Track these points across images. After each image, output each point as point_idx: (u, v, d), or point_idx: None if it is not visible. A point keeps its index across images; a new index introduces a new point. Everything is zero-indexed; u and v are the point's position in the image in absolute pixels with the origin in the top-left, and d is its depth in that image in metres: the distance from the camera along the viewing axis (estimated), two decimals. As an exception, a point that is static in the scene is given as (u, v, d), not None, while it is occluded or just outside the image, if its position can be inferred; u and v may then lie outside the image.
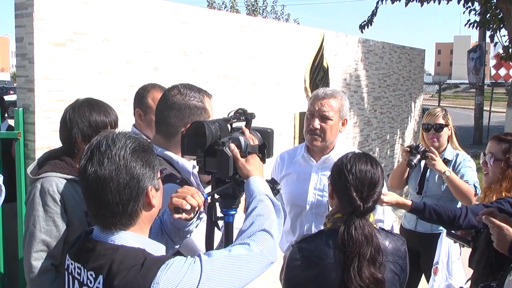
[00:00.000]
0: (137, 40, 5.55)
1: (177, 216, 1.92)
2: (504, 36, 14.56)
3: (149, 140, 2.55)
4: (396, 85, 11.26)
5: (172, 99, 2.45)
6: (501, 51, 20.86)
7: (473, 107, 30.52)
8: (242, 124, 2.25)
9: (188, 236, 2.12)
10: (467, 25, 16.44)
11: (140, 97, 3.75)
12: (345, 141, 3.48)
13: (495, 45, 14.95)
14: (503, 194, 3.21)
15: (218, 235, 2.23)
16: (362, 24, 14.09)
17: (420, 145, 4.34)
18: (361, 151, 2.63)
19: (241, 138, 2.09)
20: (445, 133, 4.58)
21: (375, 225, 2.54)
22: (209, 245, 2.10)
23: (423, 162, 4.51)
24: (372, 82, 10.26)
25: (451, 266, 4.39)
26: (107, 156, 1.71)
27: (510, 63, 15.22)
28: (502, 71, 21.74)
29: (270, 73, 7.52)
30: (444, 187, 4.44)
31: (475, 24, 16.38)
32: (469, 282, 3.36)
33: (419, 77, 12.43)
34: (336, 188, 2.50)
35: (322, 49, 8.59)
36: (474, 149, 20.14)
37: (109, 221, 1.75)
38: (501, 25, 14.13)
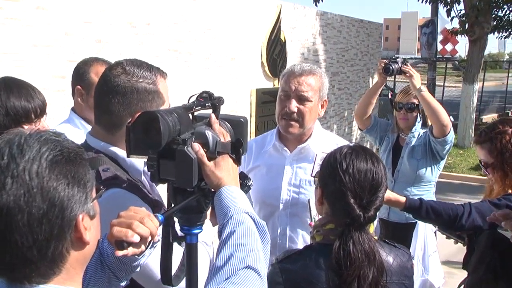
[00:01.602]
0: (76, 9, 4.92)
1: (120, 253, 1.33)
2: (461, 10, 14.40)
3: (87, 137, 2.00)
4: (354, 60, 10.89)
5: (114, 80, 1.87)
6: (448, 26, 21.02)
7: (423, 82, 30.71)
8: (208, 112, 1.73)
9: (138, 270, 1.56)
10: (420, 0, 16.25)
11: (81, 72, 3.11)
12: (321, 127, 3.01)
13: (451, 20, 14.76)
14: (509, 191, 2.81)
15: (178, 251, 1.71)
16: (316, -4, 13.73)
17: (398, 57, 4.11)
18: (355, 144, 2.12)
19: (208, 133, 1.56)
20: (417, 113, 4.24)
21: (375, 237, 2.05)
22: (165, 274, 1.58)
23: (393, 138, 4.29)
24: (330, 57, 9.85)
25: (427, 261, 4.00)
26: (11, 173, 1.11)
27: (462, 36, 15.06)
28: (449, 46, 21.74)
29: (225, 47, 6.99)
30: (417, 173, 4.11)
31: (428, -1, 16.22)
32: (462, 285, 2.97)
33: (376, 51, 12.11)
34: (327, 193, 1.99)
35: (279, 21, 8.10)
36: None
37: (20, 272, 1.16)
38: (458, -1, 13.99)
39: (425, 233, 3.99)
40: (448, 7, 14.65)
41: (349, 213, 1.88)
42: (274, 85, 8.05)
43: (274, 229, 2.82)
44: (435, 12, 21.72)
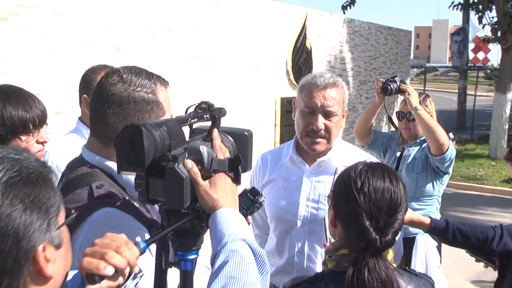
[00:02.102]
0: (95, 16, 4.83)
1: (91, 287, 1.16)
2: (493, 18, 14.06)
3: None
4: (382, 68, 10.65)
5: (110, 88, 1.70)
6: (479, 34, 20.59)
7: (453, 91, 30.27)
8: (207, 125, 1.57)
9: None
10: (451, 7, 15.97)
11: (88, 80, 2.98)
12: (341, 139, 2.84)
13: (483, 27, 14.42)
14: None
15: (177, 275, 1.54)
16: (345, 4, 13.52)
17: (397, 75, 3.91)
18: (374, 161, 1.92)
19: (203, 149, 1.38)
20: None
21: (394, 264, 1.85)
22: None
23: (398, 150, 4.06)
24: (357, 65, 9.64)
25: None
26: None
27: (494, 45, 14.69)
28: (481, 55, 21.40)
29: (249, 54, 6.84)
30: (416, 187, 3.92)
31: (459, 6, 15.92)
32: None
33: (405, 59, 11.84)
34: (340, 214, 1.80)
35: (305, 29, 7.92)
36: (458, 133, 19.73)
37: None
38: (490, 6, 13.65)
39: (425, 248, 3.76)
40: (480, 14, 14.29)
41: (364, 236, 1.69)
42: (299, 93, 7.87)
43: (292, 246, 2.63)
44: (466, 19, 21.38)
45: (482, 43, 18.76)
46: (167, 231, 1.35)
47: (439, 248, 3.81)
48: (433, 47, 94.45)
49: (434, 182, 3.93)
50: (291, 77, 7.65)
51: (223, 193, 1.38)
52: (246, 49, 6.77)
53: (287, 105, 7.61)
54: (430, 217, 2.42)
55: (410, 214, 2.32)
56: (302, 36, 7.90)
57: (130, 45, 5.18)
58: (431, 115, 3.86)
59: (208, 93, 6.20)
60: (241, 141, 1.61)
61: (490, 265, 2.74)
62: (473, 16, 16.25)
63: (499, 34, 13.46)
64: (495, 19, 13.96)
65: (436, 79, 42.85)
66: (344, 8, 13.77)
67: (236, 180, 1.44)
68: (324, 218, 2.44)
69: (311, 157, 2.63)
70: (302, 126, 2.56)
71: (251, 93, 6.87)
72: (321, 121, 2.49)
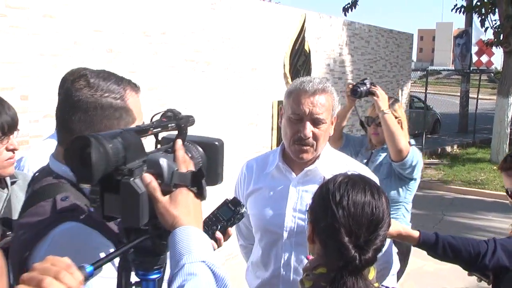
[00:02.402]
0: (86, 17, 4.74)
1: None
2: (495, 20, 13.96)
3: None
4: (383, 72, 10.54)
5: (76, 94, 1.61)
6: (483, 37, 20.49)
7: (455, 94, 30.08)
8: (171, 135, 1.47)
9: None
10: (454, 10, 15.88)
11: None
12: (330, 146, 2.73)
13: (485, 30, 14.30)
14: None
15: None
16: (346, 6, 13.45)
17: (367, 78, 3.88)
18: (356, 172, 1.81)
19: (163, 162, 1.29)
20: None
21: (376, 284, 1.74)
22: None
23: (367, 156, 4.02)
24: (357, 68, 9.53)
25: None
26: None
27: (497, 48, 14.56)
28: (484, 58, 21.35)
29: (245, 57, 6.74)
30: (388, 191, 3.81)
31: (462, 9, 15.83)
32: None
33: (406, 63, 11.72)
34: (318, 229, 1.69)
35: (304, 31, 7.83)
36: (460, 137, 19.62)
37: None
38: (493, 9, 13.55)
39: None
40: (483, 17, 14.18)
41: (343, 254, 1.57)
42: (297, 97, 7.77)
43: (278, 259, 2.53)
44: (469, 22, 21.29)
45: (486, 47, 18.67)
46: (121, 251, 1.25)
47: (402, 256, 3.74)
48: (437, 50, 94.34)
49: (400, 189, 3.87)
50: (289, 80, 7.56)
51: (184, 209, 1.29)
52: (242, 51, 6.68)
53: (284, 108, 7.51)
54: (419, 231, 2.32)
55: (397, 227, 2.22)
56: (300, 39, 7.80)
57: (123, 47, 5.09)
58: (399, 120, 3.81)
59: (203, 96, 6.10)
60: (212, 151, 1.51)
61: (483, 279, 2.64)
62: (477, 19, 16.14)
63: (501, 37, 13.35)
64: (498, 22, 13.86)
65: (439, 82, 42.60)
66: (345, 10, 13.67)
67: (200, 195, 1.34)
68: (324, 178, 2.37)
69: (298, 165, 2.53)
70: (289, 134, 2.46)
71: (247, 96, 6.78)
72: (309, 128, 2.38)
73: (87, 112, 1.60)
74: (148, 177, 1.25)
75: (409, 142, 3.73)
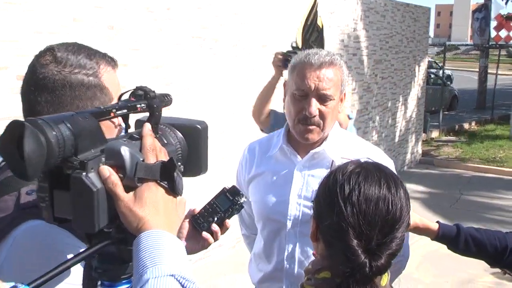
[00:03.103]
0: (85, -8, 4.51)
1: None
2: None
3: None
4: (399, 47, 10.21)
5: (41, 71, 1.40)
6: (502, 12, 19.97)
7: (474, 70, 29.54)
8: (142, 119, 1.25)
9: None
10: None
11: None
12: (338, 126, 2.48)
13: (506, 3, 13.82)
14: None
15: None
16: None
17: (299, 47, 3.55)
18: (370, 160, 1.55)
19: (125, 151, 1.06)
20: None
21: None
22: None
23: None
24: (372, 44, 9.22)
25: None
26: None
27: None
28: (503, 33, 20.83)
29: (255, 33, 6.49)
30: None
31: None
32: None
33: (423, 38, 11.37)
34: (323, 227, 1.43)
35: (316, 5, 7.47)
36: (478, 114, 19.23)
37: None
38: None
39: None
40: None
41: (350, 259, 1.32)
42: (310, 74, 7.51)
43: (281, 250, 2.32)
44: (489, -5, 20.76)
45: (505, 21, 18.18)
46: (74, 261, 1.04)
47: None
48: (454, 25, 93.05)
49: None
50: (301, 57, 7.28)
51: (152, 209, 1.06)
52: (252, 27, 6.42)
53: (296, 86, 7.26)
54: (438, 222, 2.09)
55: (414, 219, 1.98)
56: (313, 14, 7.46)
57: (125, 24, 4.87)
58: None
59: (211, 75, 5.87)
60: (193, 136, 1.28)
61: (508, 273, 2.41)
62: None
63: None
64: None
65: (457, 58, 41.95)
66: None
67: (172, 190, 1.10)
68: (332, 161, 2.15)
69: (304, 147, 2.29)
70: (293, 112, 2.22)
71: (257, 74, 6.53)
72: (315, 106, 2.14)
73: (54, 92, 1.39)
74: (107, 170, 1.03)
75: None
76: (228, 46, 6.11)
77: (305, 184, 2.26)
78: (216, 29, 5.91)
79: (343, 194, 1.38)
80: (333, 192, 1.40)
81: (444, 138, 14.73)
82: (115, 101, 1.46)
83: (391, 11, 9.77)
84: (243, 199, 1.72)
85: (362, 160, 1.49)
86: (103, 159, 1.04)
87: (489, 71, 21.18)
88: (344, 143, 2.30)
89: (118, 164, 1.04)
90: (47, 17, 4.24)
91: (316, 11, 7.63)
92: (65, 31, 4.37)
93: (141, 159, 1.07)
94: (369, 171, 1.42)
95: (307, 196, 2.23)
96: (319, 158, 2.26)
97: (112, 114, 1.12)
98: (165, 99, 1.24)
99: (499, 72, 20.26)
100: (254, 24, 6.46)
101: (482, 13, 20.93)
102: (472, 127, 16.80)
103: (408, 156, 11.36)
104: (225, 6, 6.00)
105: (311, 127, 2.18)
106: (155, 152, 1.11)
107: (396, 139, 10.63)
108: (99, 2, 4.62)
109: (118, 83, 1.48)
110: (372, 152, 2.24)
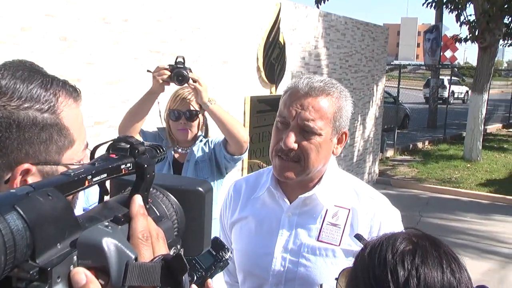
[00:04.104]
0: None
1: None
2: (470, 15, 13.67)
3: None
4: (358, 66, 10.07)
5: None
6: (448, 34, 20.40)
7: (420, 88, 29.96)
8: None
9: None
10: (426, 5, 15.61)
11: None
12: (337, 166, 2.13)
13: (460, 25, 13.98)
14: None
15: None
16: (319, -3, 13.06)
17: (179, 56, 3.25)
18: (414, 229, 1.23)
19: (108, 244, 0.70)
20: (199, 122, 3.43)
21: None
22: None
23: (170, 155, 3.44)
24: (333, 62, 9.04)
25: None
26: None
27: (474, 43, 14.26)
28: (448, 53, 21.40)
29: (216, 48, 6.17)
30: None
31: (434, 4, 15.59)
32: None
33: (382, 57, 11.28)
34: None
35: (279, 22, 7.29)
36: (430, 133, 19.41)
37: None
38: (468, 4, 13.30)
39: None
40: (457, 11, 13.86)
41: None
42: (271, 92, 7.24)
43: None
44: (440, 17, 21.15)
45: (452, 42, 18.49)
46: None
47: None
48: (401, 45, 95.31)
49: (218, 185, 3.44)
50: (262, 74, 7.01)
51: None
52: (213, 42, 6.10)
53: (257, 104, 6.97)
54: None
55: None
56: (275, 30, 7.26)
57: (79, 35, 4.47)
58: (204, 115, 3.40)
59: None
60: (192, 202, 0.94)
61: None
62: (447, 15, 15.93)
63: (477, 32, 13.07)
64: (473, 18, 13.58)
65: (405, 76, 42.59)
66: (318, 2, 13.28)
67: None
68: (321, 286, 1.80)
69: (294, 190, 1.93)
70: (272, 143, 1.86)
71: (218, 91, 6.21)
72: (292, 137, 1.78)
73: None
74: (82, 276, 0.67)
75: None
76: (188, 62, 5.74)
77: (293, 235, 1.90)
78: (176, 43, 5.56)
79: (398, 280, 1.06)
80: (382, 279, 1.08)
81: (399, 157, 14.70)
82: (79, 144, 1.11)
83: (351, 30, 9.62)
84: (228, 255, 1.41)
85: (411, 233, 1.17)
86: (75, 258, 0.69)
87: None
88: (341, 188, 1.94)
89: (98, 266, 0.69)
90: (-8, 26, 3.82)
91: (279, 27, 7.43)
92: (11, 41, 3.95)
93: (133, 257, 0.72)
94: (426, 249, 1.11)
95: (294, 249, 1.88)
96: (311, 204, 1.91)
97: (86, 183, 0.76)
98: (158, 153, 0.90)
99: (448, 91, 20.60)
100: (215, 40, 6.15)
101: (433, 33, 21.31)
102: (426, 147, 16.88)
103: (366, 176, 11.20)
104: (186, 20, 5.67)
105: (289, 164, 1.82)
106: (151, 241, 0.77)
107: (355, 159, 10.46)
108: (50, 10, 4.22)
109: (81, 120, 1.13)
110: (375, 202, 1.90)
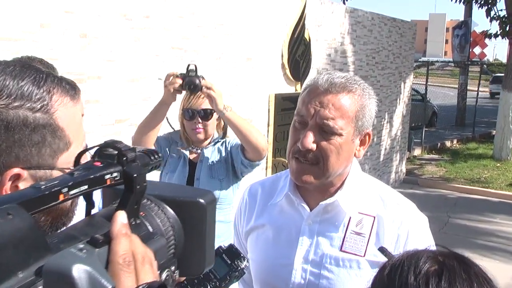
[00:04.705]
0: (54, -4, 4.03)
1: None
2: (501, 10, 13.34)
3: None
4: (385, 63, 9.88)
5: None
6: (477, 30, 19.97)
7: (449, 85, 29.49)
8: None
9: None
10: (455, 0, 15.30)
11: None
12: (360, 170, 1.98)
13: (490, 20, 13.66)
14: None
15: None
16: (345, -6, 12.88)
17: (191, 64, 3.03)
18: (443, 246, 1.08)
19: (79, 273, 0.60)
20: (214, 120, 3.34)
21: None
22: None
23: (187, 154, 3.35)
24: (359, 59, 8.87)
25: None
26: None
27: (504, 39, 13.93)
28: (477, 50, 20.94)
29: (240, 45, 6.06)
30: (220, 196, 3.24)
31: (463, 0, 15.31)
32: None
33: (409, 53, 11.06)
34: None
35: (304, 18, 7.14)
36: (458, 131, 19.06)
37: None
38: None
39: None
40: (488, 6, 13.54)
41: None
42: (295, 89, 7.10)
43: None
44: (469, 13, 20.73)
45: (482, 38, 18.12)
46: None
47: None
48: (429, 41, 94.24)
49: (235, 188, 3.37)
50: (287, 71, 6.88)
51: None
52: (237, 39, 5.99)
53: (282, 102, 6.84)
54: None
55: None
56: (300, 26, 7.11)
57: (99, 31, 4.39)
58: None
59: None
60: (192, 215, 0.82)
61: None
62: (477, 10, 15.62)
63: (508, 28, 12.76)
64: (503, 12, 13.27)
65: (432, 74, 42.08)
66: (344, -2, 13.14)
67: None
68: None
69: (315, 196, 1.78)
70: (290, 143, 1.72)
71: (241, 89, 6.11)
72: (310, 137, 1.63)
73: None
74: None
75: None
76: (211, 59, 5.66)
77: (314, 244, 1.76)
78: (199, 40, 5.46)
79: None
80: None
81: (427, 156, 14.44)
82: (76, 145, 1.00)
83: (378, 26, 9.44)
84: (244, 264, 1.30)
85: (432, 248, 1.04)
86: None
87: (468, 87, 21.15)
88: (365, 194, 1.79)
89: None
90: (9, 22, 3.75)
91: (304, 24, 7.28)
92: (30, 38, 3.88)
93: (110, 287, 0.60)
94: (454, 270, 0.97)
95: (315, 260, 1.74)
96: (332, 212, 1.76)
97: (61, 197, 0.65)
98: (151, 161, 0.78)
99: (474, 88, 20.23)
100: (239, 36, 6.03)
101: (462, 29, 20.88)
102: (454, 145, 16.58)
103: (393, 175, 11.00)
104: (209, 16, 5.56)
105: (305, 165, 1.68)
106: (134, 266, 0.65)
107: (381, 158, 10.27)
108: (70, 7, 4.14)
109: (79, 121, 1.02)
110: (402, 209, 1.76)
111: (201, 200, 0.81)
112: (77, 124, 1.01)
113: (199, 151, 3.33)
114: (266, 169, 6.65)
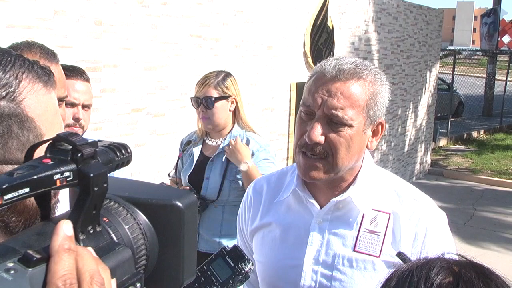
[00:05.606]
0: (68, -18, 3.94)
1: None
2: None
3: None
4: (410, 51, 9.66)
5: None
6: (506, 18, 19.57)
7: (476, 75, 28.98)
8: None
9: None
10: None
11: None
12: (373, 163, 1.85)
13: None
14: None
15: None
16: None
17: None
18: (459, 254, 0.96)
19: None
20: (223, 109, 3.13)
21: None
22: None
23: (197, 150, 3.25)
24: (384, 47, 8.68)
25: None
26: None
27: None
28: (506, 38, 20.47)
29: (260, 33, 5.93)
30: (229, 197, 3.11)
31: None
32: None
33: (436, 42, 10.81)
34: None
35: (327, 5, 6.98)
36: (485, 121, 18.71)
37: None
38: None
39: None
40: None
41: None
42: (318, 78, 6.96)
43: None
44: (497, 0, 20.26)
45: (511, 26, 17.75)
46: None
47: None
48: (457, 30, 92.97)
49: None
50: (309, 59, 6.74)
51: None
52: (257, 26, 5.86)
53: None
54: None
55: None
56: (323, 14, 6.95)
57: (115, 19, 4.30)
58: (233, 100, 3.16)
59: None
60: (168, 220, 0.69)
61: None
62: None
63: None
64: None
65: (459, 63, 41.48)
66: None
67: None
68: None
69: (325, 192, 1.65)
70: (295, 137, 1.60)
71: (262, 78, 5.99)
72: (318, 129, 1.50)
73: None
74: None
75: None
76: (231, 47, 5.54)
77: (324, 244, 1.63)
78: (218, 27, 5.34)
79: None
80: None
81: (453, 147, 14.19)
82: (49, 134, 0.88)
83: (403, 13, 9.22)
84: (248, 267, 1.21)
85: (450, 258, 0.90)
86: None
87: (496, 77, 20.72)
88: (379, 189, 1.66)
89: None
90: (23, 9, 3.66)
91: (327, 11, 7.12)
92: (43, 25, 3.80)
93: None
94: (472, 283, 0.84)
95: (327, 261, 1.62)
96: (344, 209, 1.63)
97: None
98: (117, 157, 0.66)
99: (502, 77, 19.85)
100: (259, 24, 5.90)
101: (491, 17, 20.45)
102: (481, 136, 16.27)
103: (417, 166, 10.80)
104: (228, 2, 5.44)
105: (312, 160, 1.55)
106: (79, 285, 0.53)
107: (406, 149, 10.08)
108: (85, -6, 4.05)
109: (54, 111, 0.90)
110: (419, 205, 1.63)
111: (178, 203, 0.69)
112: (51, 114, 0.89)
113: (214, 143, 3.21)
114: (287, 159, 6.54)
